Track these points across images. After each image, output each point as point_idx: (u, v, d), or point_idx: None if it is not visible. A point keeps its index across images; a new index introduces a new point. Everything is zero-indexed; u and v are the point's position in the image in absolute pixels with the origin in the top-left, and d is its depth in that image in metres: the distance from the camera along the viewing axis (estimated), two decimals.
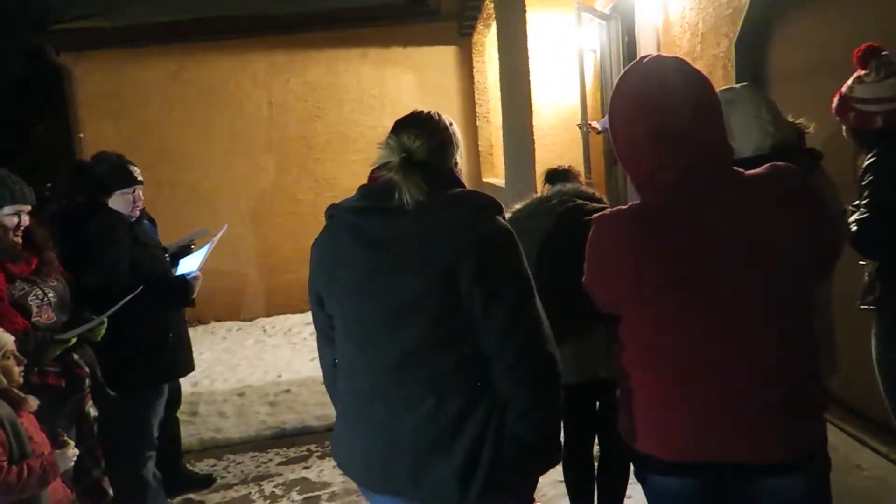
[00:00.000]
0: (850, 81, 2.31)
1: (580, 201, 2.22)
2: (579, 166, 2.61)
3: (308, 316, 6.97)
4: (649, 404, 1.54)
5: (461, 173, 1.59)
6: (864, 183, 2.23)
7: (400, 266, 1.46)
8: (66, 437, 2.07)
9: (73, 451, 2.05)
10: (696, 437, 1.48)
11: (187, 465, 3.68)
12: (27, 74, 7.42)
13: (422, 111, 1.59)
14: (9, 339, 1.99)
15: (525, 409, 1.47)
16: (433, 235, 1.45)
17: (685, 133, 1.44)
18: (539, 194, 2.45)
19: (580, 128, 6.62)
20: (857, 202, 2.22)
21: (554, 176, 2.58)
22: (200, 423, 4.36)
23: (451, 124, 1.60)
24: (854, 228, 2.15)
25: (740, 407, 1.45)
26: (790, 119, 1.98)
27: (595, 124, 6.36)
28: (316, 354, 6.05)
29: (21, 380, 1.98)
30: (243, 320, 7.11)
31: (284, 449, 3.95)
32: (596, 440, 2.66)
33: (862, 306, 2.33)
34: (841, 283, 2.01)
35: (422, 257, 1.44)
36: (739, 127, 1.86)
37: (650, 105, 1.46)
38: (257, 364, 5.59)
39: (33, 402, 1.96)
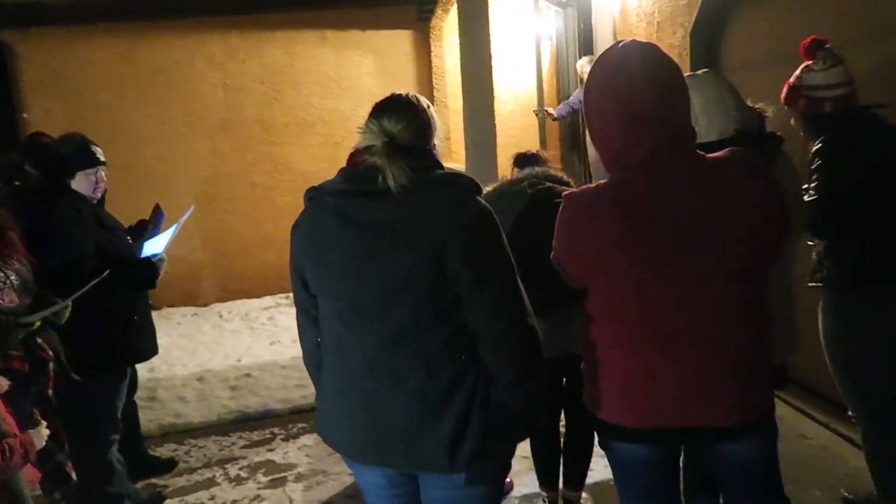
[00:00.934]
0: (798, 72, 2.44)
1: (549, 184, 2.29)
2: None
3: (266, 301, 6.94)
4: (614, 374, 1.61)
5: (440, 155, 1.62)
6: (813, 167, 2.37)
7: (388, 248, 1.48)
8: (38, 416, 2.04)
9: (45, 431, 2.03)
10: (659, 404, 1.56)
11: (148, 450, 3.63)
12: None
13: (401, 94, 1.61)
14: None
15: (512, 379, 1.53)
16: (420, 218, 1.48)
17: (653, 115, 1.50)
18: (509, 177, 2.51)
19: (537, 114, 6.69)
20: (805, 185, 2.35)
21: (524, 160, 2.62)
22: (160, 408, 4.30)
23: (428, 107, 1.63)
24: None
25: (700, 374, 1.53)
26: (749, 104, 2.08)
27: (552, 111, 6.44)
28: (276, 339, 5.95)
29: None
30: (199, 305, 6.98)
31: (247, 432, 3.93)
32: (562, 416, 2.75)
33: (810, 284, 2.48)
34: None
35: (409, 240, 1.47)
36: (703, 112, 1.93)
37: (622, 88, 1.52)
38: (216, 349, 5.51)
39: (4, 383, 1.93)
